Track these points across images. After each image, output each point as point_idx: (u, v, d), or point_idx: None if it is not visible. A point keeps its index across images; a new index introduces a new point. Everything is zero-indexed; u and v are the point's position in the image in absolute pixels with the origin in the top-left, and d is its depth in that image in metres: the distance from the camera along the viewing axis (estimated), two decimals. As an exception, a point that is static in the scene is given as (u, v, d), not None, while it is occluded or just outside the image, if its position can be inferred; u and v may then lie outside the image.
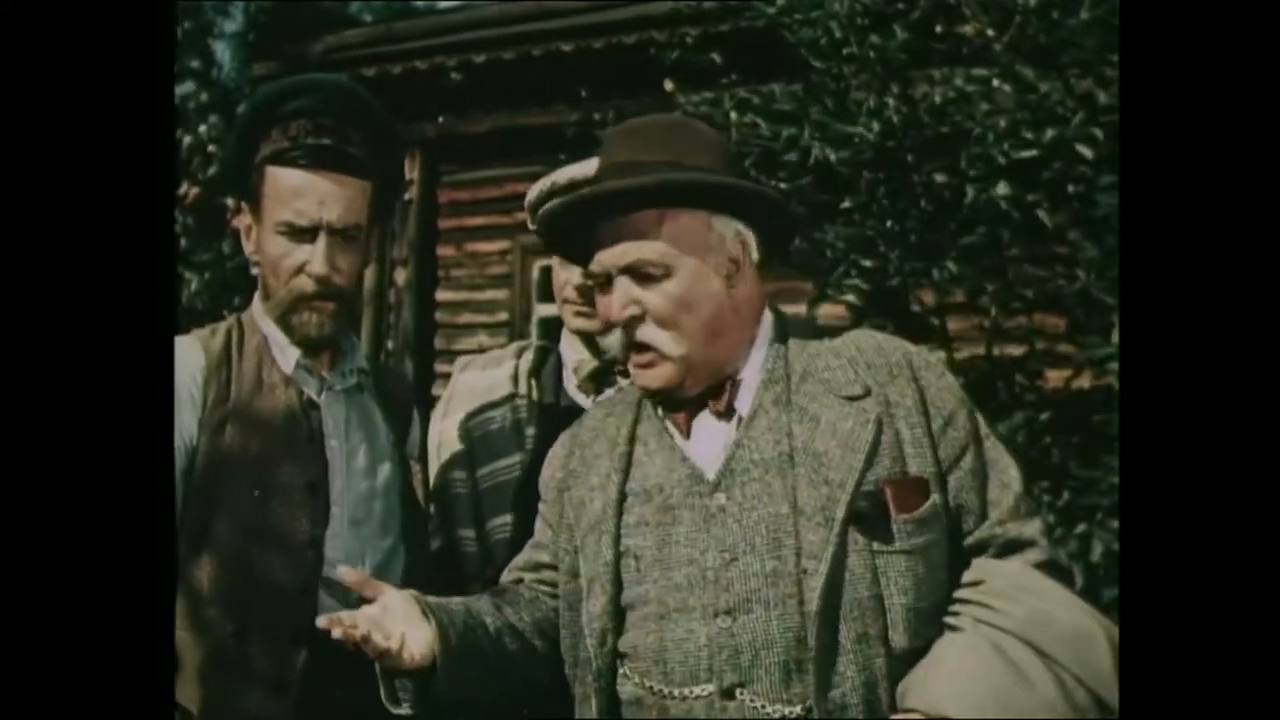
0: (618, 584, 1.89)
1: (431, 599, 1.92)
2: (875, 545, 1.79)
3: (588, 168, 2.45)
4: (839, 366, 1.91)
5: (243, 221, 2.30)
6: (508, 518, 2.44)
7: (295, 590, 2.16)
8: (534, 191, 2.53)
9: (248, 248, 2.30)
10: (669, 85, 5.14)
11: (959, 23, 4.34)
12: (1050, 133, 3.93)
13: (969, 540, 1.87)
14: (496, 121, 8.31)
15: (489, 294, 8.56)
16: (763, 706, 1.77)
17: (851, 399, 1.86)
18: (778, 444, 1.85)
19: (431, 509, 2.47)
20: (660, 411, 1.98)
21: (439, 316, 8.76)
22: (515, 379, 2.57)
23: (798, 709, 1.76)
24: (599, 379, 2.52)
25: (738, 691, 1.78)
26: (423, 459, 2.46)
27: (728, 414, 1.92)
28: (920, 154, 4.35)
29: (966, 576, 1.84)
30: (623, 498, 1.92)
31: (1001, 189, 4.00)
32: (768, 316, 1.99)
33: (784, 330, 1.98)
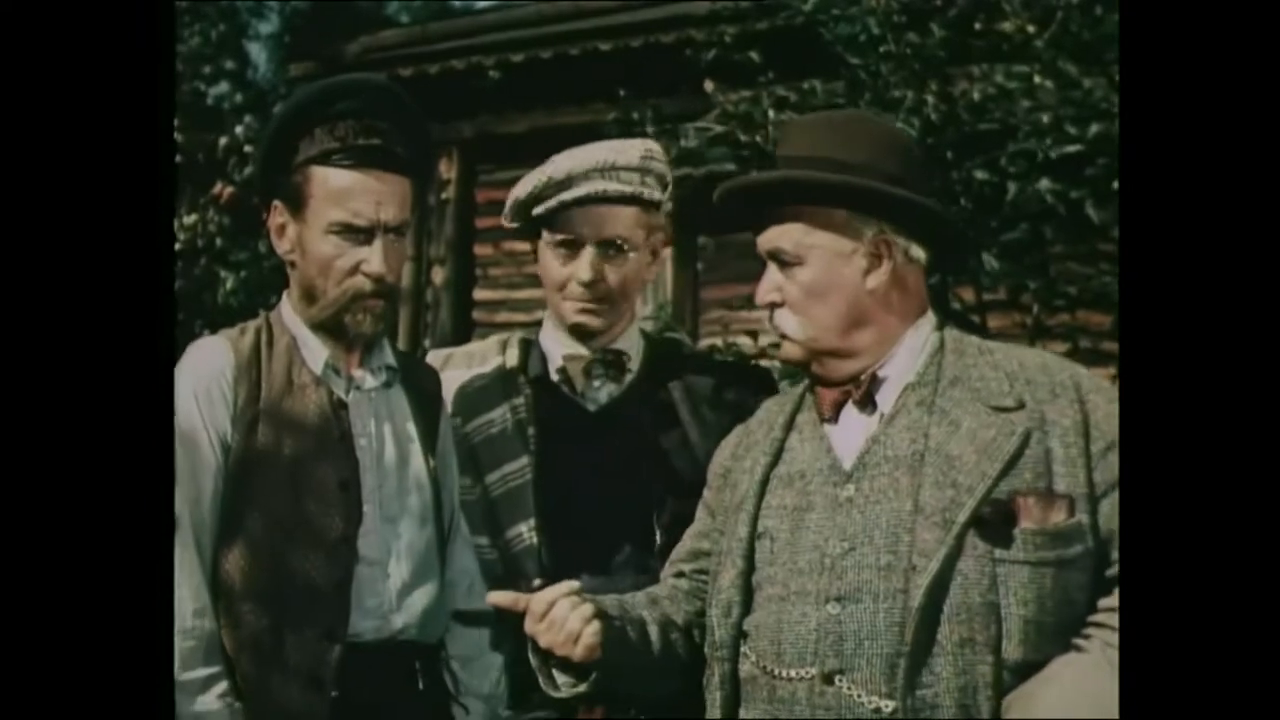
0: (749, 561, 1.95)
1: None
2: (997, 553, 1.79)
3: (583, 159, 2.44)
4: (995, 378, 1.91)
5: (275, 221, 2.29)
6: (530, 523, 2.42)
7: (330, 588, 2.17)
8: (526, 186, 2.48)
9: (282, 247, 2.29)
10: (709, 86, 5.13)
11: (999, 19, 4.31)
12: (1095, 128, 3.90)
13: (1113, 569, 1.83)
14: (534, 121, 8.31)
15: (527, 293, 8.52)
16: (859, 696, 1.80)
17: (1000, 409, 1.87)
18: (913, 443, 1.88)
19: None
20: (808, 394, 2.04)
21: (477, 315, 8.77)
22: (504, 377, 2.54)
23: (894, 703, 1.77)
24: (590, 372, 2.51)
25: (837, 678, 1.81)
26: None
27: (868, 406, 1.96)
28: (960, 151, 4.33)
29: (1104, 602, 1.82)
30: (766, 480, 1.99)
31: (1044, 185, 3.98)
32: (929, 318, 2.00)
33: (943, 334, 2.00)
